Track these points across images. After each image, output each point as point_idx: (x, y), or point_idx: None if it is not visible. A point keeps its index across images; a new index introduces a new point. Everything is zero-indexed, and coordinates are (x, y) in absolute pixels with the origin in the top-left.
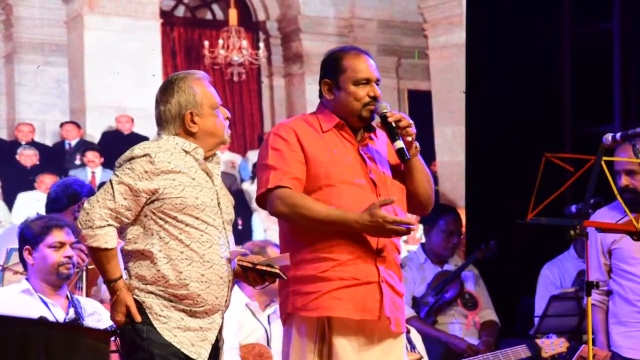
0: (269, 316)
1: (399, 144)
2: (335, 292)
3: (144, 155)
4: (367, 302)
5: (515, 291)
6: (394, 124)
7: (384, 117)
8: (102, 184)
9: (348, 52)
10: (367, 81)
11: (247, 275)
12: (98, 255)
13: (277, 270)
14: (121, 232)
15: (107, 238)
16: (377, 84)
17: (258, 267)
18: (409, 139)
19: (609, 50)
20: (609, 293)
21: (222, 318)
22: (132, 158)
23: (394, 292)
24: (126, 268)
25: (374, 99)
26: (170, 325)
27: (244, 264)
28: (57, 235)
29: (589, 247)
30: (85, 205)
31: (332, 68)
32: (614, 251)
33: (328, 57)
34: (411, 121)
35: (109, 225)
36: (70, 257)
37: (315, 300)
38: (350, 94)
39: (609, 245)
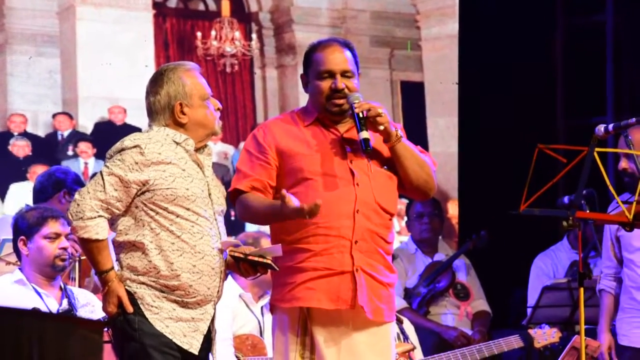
0: (262, 307)
1: (363, 134)
2: (309, 282)
3: (134, 147)
4: (340, 292)
5: (508, 282)
6: (361, 115)
7: (352, 108)
8: (94, 175)
9: (318, 45)
10: (330, 74)
11: (239, 266)
12: (89, 246)
13: (269, 261)
14: (112, 223)
15: (98, 229)
16: (349, 77)
17: (250, 257)
18: (381, 127)
19: (602, 41)
20: (620, 280)
21: (214, 309)
22: (123, 149)
23: (376, 281)
24: (118, 259)
25: (336, 91)
26: (162, 316)
27: (236, 254)
28: (52, 226)
29: (603, 237)
30: (76, 196)
31: (305, 62)
32: (620, 238)
33: (306, 51)
34: (382, 110)
35: (99, 216)
36: (65, 249)
37: (290, 291)
38: (315, 87)
39: (615, 232)
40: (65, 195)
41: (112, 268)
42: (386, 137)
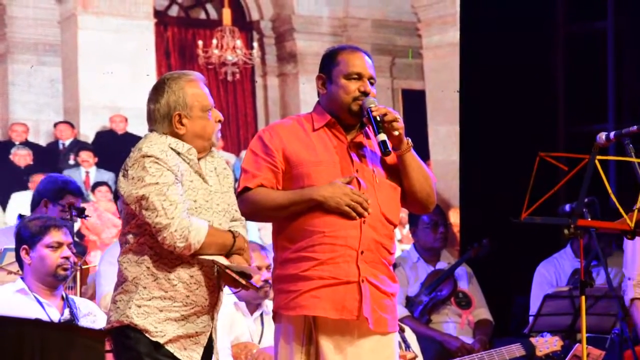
0: (261, 314)
1: (381, 136)
2: (315, 291)
3: (150, 155)
4: (346, 302)
5: (510, 290)
6: (378, 118)
7: (368, 112)
8: (96, 184)
9: (345, 49)
10: (359, 76)
11: (220, 275)
12: (208, 243)
13: (244, 282)
14: (126, 222)
15: (198, 230)
16: (372, 84)
17: (227, 271)
18: (396, 133)
19: (602, 48)
20: None
21: (214, 320)
22: (143, 156)
23: (380, 292)
24: (118, 261)
25: (364, 94)
26: (166, 338)
27: (218, 264)
28: (55, 235)
29: (630, 244)
30: (163, 233)
31: (327, 62)
32: None
33: (325, 53)
34: (398, 115)
35: (190, 219)
36: (67, 258)
37: (295, 299)
38: (341, 87)
39: None
40: (46, 204)
41: (232, 232)
42: (397, 144)
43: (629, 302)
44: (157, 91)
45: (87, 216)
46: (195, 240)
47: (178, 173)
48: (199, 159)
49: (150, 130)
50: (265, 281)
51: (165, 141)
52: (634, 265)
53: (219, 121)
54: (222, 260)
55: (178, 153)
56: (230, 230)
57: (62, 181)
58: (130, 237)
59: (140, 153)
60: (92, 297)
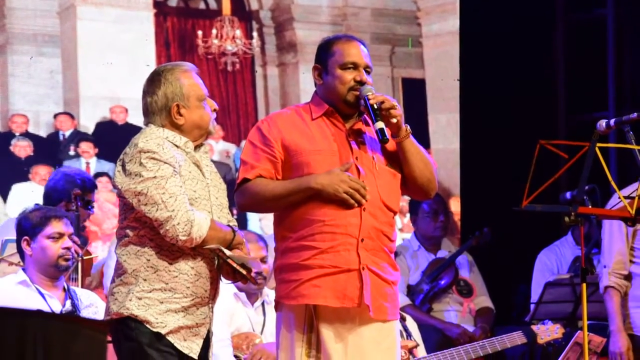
0: (263, 303)
1: (379, 124)
2: (315, 280)
3: (148, 151)
4: (347, 290)
5: (511, 278)
6: (376, 106)
7: (366, 100)
8: (96, 175)
9: (340, 38)
10: (355, 66)
11: (219, 266)
12: (210, 236)
13: (245, 273)
14: (124, 215)
15: (200, 224)
16: (368, 72)
17: (229, 261)
18: (394, 120)
19: (603, 36)
20: (628, 277)
21: (213, 312)
22: (140, 152)
23: (381, 279)
24: (116, 253)
25: (360, 83)
26: (167, 329)
27: (220, 254)
28: (56, 226)
29: (607, 232)
30: (166, 225)
31: (322, 53)
32: (638, 232)
33: (321, 43)
34: (395, 103)
35: (192, 211)
36: (69, 248)
37: (296, 288)
38: (337, 77)
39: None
40: (66, 205)
41: (233, 230)
42: (396, 131)
43: (602, 290)
44: (153, 83)
45: (93, 207)
46: (197, 234)
47: (176, 164)
48: (195, 148)
49: (147, 124)
50: (258, 273)
51: (163, 134)
52: (610, 254)
53: (215, 110)
54: (225, 250)
55: (176, 146)
56: (229, 225)
57: (80, 179)
58: (129, 230)
59: (136, 149)
60: (96, 288)
